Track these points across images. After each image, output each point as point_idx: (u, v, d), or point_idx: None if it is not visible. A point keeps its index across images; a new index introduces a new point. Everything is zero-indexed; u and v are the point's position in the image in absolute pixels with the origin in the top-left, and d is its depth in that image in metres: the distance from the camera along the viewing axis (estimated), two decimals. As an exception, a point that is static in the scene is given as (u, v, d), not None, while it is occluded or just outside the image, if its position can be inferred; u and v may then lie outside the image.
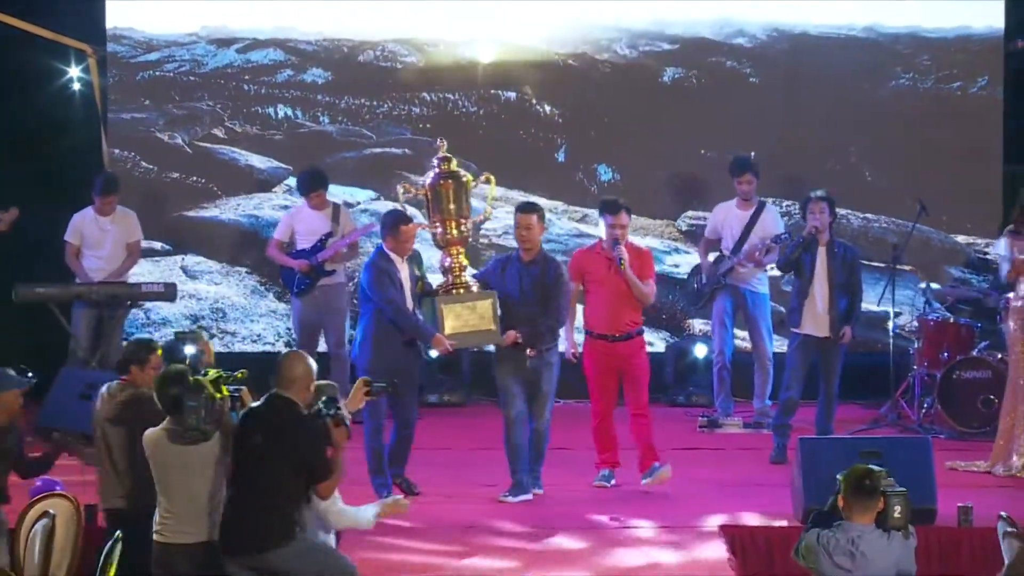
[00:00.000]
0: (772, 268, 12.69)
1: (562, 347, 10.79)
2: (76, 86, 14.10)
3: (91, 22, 14.16)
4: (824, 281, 11.53)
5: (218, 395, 8.08)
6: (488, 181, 10.65)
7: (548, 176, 14.42)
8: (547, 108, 14.53)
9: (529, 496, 10.38)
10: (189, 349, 9.00)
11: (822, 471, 9.18)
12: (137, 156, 14.44)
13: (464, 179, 10.50)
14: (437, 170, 10.49)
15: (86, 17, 14.15)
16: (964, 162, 14.31)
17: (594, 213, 14.08)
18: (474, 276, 10.59)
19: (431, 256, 11.37)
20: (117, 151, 14.37)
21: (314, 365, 8.06)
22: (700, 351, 13.89)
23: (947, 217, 14.33)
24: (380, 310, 10.27)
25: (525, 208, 10.56)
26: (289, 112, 14.55)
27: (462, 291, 10.43)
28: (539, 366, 10.40)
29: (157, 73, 14.49)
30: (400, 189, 10.85)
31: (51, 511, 8.49)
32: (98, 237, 12.97)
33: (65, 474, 9.98)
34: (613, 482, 10.73)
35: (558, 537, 9.62)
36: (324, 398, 7.98)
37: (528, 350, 10.34)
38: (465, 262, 10.54)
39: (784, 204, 13.98)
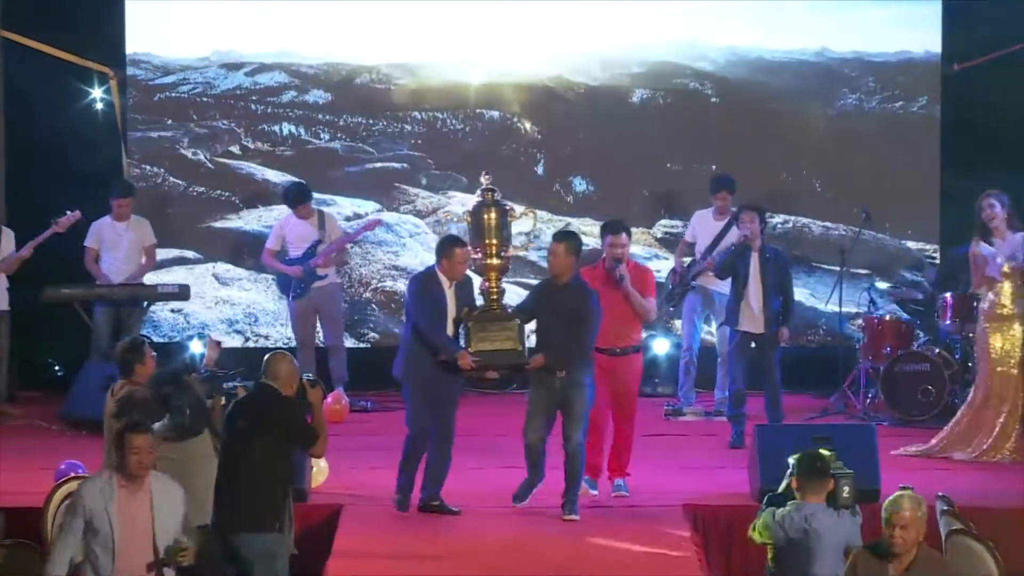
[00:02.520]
0: None
1: None
2: (99, 106, 14.07)
3: (112, 47, 14.14)
4: (758, 283, 11.56)
5: (213, 396, 8.08)
6: (530, 214, 10.32)
7: (529, 188, 14.38)
8: (528, 126, 14.53)
9: (576, 517, 9.59)
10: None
11: (776, 455, 9.17)
12: (165, 172, 14.40)
13: (506, 209, 10.04)
14: (481, 199, 10.06)
15: (107, 43, 14.14)
16: (905, 175, 14.37)
17: (575, 222, 14.14)
18: (518, 307, 10.04)
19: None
20: (147, 167, 14.36)
21: (297, 365, 8.04)
22: (660, 347, 13.86)
23: (890, 224, 14.37)
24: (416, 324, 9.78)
25: (555, 236, 10.01)
26: (293, 130, 14.53)
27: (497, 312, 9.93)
28: (569, 387, 9.68)
29: (173, 95, 14.47)
30: (442, 219, 10.66)
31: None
32: (115, 241, 12.95)
33: (85, 456, 9.97)
34: (594, 492, 10.15)
35: (526, 517, 9.60)
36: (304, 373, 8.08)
37: (559, 372, 9.70)
38: (503, 287, 10.02)
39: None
